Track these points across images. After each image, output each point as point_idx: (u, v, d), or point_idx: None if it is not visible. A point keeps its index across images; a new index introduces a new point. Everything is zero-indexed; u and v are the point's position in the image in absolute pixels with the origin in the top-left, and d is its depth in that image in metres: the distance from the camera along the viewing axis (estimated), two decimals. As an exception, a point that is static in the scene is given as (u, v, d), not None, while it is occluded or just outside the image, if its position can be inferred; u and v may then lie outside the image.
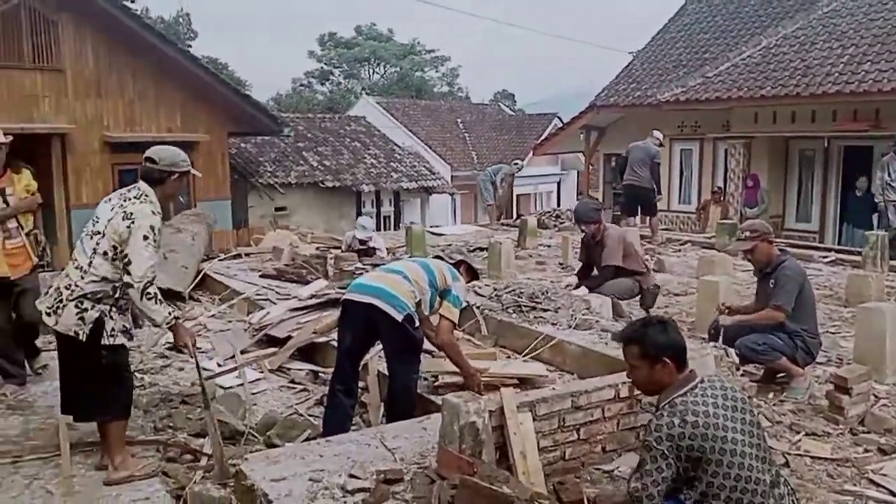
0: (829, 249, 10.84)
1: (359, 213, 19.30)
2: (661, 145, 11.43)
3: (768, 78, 13.41)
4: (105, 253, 3.58)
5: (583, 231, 6.60)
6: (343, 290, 6.58)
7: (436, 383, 4.64)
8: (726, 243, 10.10)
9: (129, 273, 3.52)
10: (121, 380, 3.74)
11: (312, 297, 6.60)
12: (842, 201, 13.45)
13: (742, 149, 14.19)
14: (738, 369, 4.97)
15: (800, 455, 3.83)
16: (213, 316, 6.97)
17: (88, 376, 3.65)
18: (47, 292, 3.77)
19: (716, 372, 4.16)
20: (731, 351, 4.95)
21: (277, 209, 17.81)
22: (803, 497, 3.34)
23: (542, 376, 4.80)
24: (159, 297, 3.59)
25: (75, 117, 13.58)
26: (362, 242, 9.12)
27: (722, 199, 14.32)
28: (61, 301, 3.59)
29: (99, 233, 3.61)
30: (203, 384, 3.92)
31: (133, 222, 3.55)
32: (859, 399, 4.27)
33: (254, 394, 4.93)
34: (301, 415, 4.61)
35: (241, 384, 5.02)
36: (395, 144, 22.78)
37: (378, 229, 15.04)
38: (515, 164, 16.11)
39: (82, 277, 3.58)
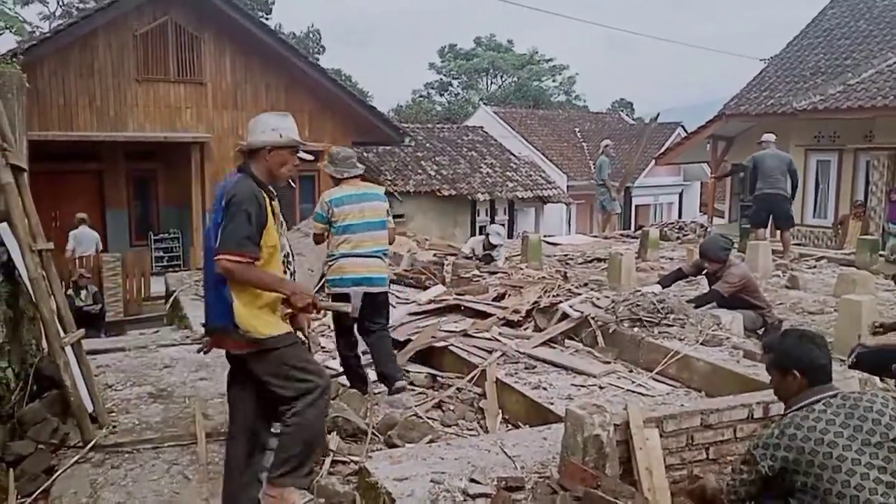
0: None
1: (473, 222, 19.55)
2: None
3: (918, 85, 12.50)
4: None
5: (705, 267, 6.44)
6: (461, 297, 6.67)
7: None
8: (868, 260, 9.43)
9: None
10: None
11: (431, 302, 6.69)
12: None
13: (886, 161, 13.36)
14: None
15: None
16: (335, 317, 7.18)
17: None
18: None
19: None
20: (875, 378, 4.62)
21: (395, 216, 18.18)
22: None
23: None
24: None
25: (213, 127, 14.48)
26: (492, 247, 9.25)
27: (863, 213, 13.40)
28: None
29: None
30: None
31: None
32: None
33: (374, 394, 5.04)
34: (420, 417, 4.67)
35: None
36: (512, 154, 22.78)
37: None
38: (605, 143, 15.18)
39: None
